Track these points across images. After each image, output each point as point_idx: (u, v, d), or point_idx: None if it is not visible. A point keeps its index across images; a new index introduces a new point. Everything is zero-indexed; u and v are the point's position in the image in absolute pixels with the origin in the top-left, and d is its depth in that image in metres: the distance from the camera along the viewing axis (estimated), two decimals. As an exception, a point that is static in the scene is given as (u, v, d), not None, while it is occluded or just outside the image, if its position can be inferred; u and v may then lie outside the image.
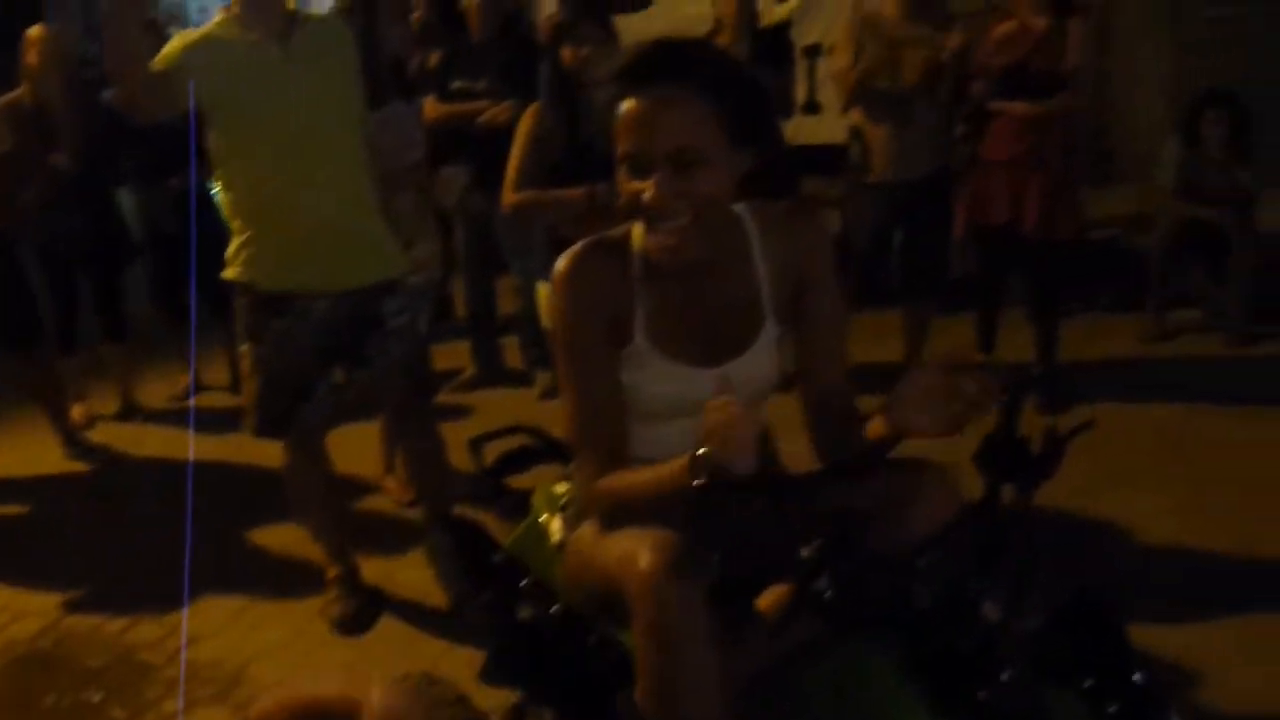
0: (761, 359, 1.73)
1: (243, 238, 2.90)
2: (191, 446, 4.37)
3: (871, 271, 4.48)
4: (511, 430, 2.11)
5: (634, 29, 6.86)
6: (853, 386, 1.83)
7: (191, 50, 2.73)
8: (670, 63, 1.55)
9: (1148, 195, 5.45)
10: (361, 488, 3.99)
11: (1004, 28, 4.09)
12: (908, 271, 4.55)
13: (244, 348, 2.99)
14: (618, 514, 1.65)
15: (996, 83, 4.01)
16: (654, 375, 1.69)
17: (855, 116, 4.36)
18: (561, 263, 1.67)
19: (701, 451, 1.43)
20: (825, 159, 5.05)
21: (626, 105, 1.55)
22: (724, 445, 1.40)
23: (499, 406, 4.59)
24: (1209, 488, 3.66)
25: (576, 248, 1.69)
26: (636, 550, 1.50)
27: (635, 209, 1.59)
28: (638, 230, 1.68)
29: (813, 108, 6.58)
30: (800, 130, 5.46)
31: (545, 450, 2.13)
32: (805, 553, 1.32)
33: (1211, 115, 5.02)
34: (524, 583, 1.89)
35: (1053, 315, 4.41)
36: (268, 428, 3.03)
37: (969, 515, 1.52)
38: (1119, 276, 5.49)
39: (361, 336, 2.99)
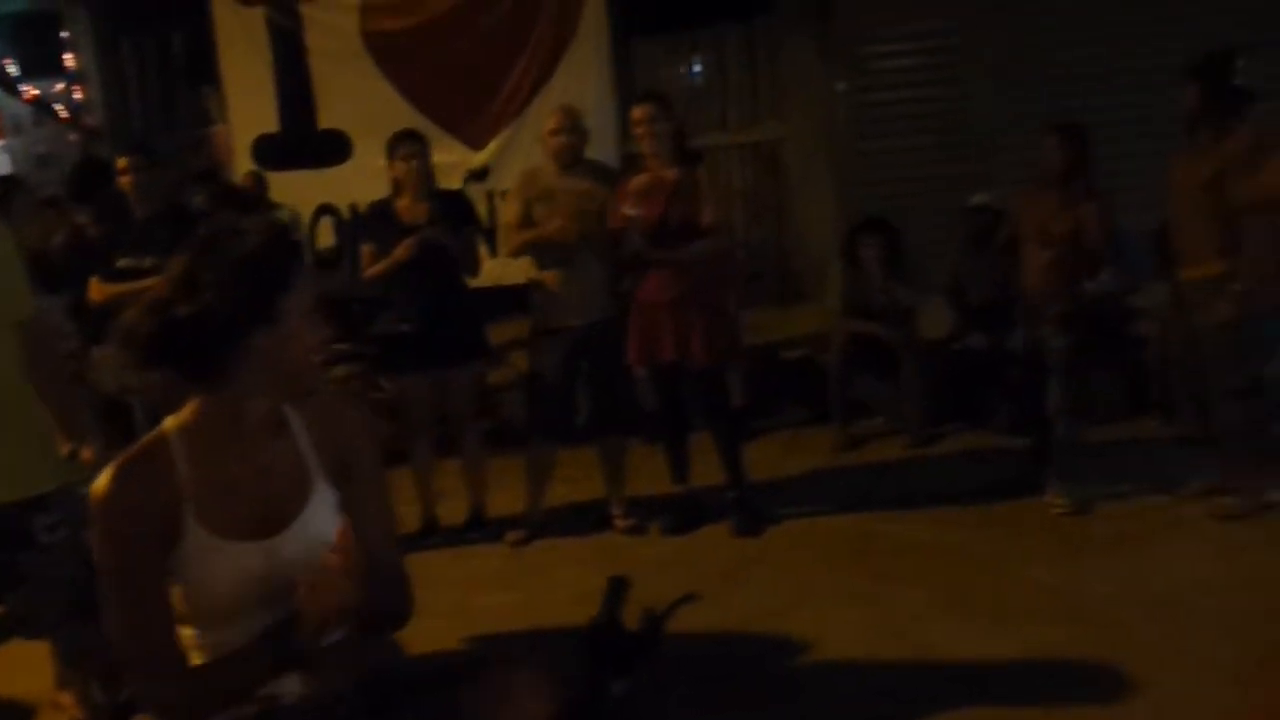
0: (320, 523, 1.77)
1: None
2: None
3: (561, 412, 4.57)
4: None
5: (328, 180, 6.91)
6: (399, 553, 1.95)
7: None
8: None
9: (822, 315, 5.85)
10: (32, 708, 3.65)
11: (639, 180, 4.32)
12: (596, 410, 4.68)
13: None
14: (195, 706, 1.69)
15: (644, 231, 4.21)
16: (214, 562, 1.70)
17: (530, 267, 4.51)
18: (97, 487, 1.67)
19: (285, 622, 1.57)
20: (518, 301, 5.19)
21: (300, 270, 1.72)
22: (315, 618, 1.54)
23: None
24: (896, 595, 3.84)
25: (109, 470, 1.68)
26: None
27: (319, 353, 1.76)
28: (173, 421, 1.73)
29: (511, 251, 6.74)
30: (500, 273, 5.57)
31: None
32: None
33: (867, 240, 5.48)
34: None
35: (733, 439, 4.59)
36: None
37: (572, 710, 1.54)
38: (810, 392, 5.83)
39: (13, 555, 2.77)
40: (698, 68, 7.13)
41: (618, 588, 1.65)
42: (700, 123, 7.17)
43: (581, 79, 6.78)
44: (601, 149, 5.51)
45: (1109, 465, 4.76)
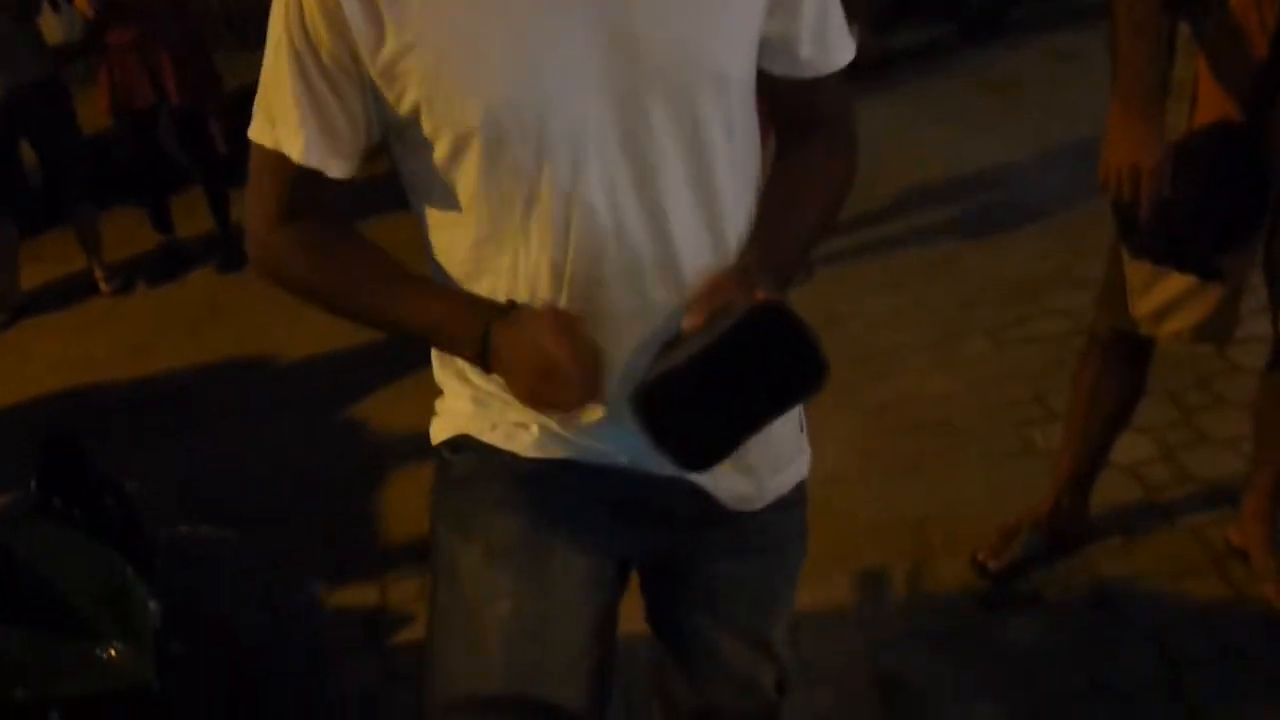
0: None
1: None
2: None
3: (5, 184, 4.29)
4: None
5: None
6: None
7: None
8: None
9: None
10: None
11: None
12: (48, 185, 4.43)
13: None
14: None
15: None
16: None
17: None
18: None
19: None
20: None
21: None
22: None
23: None
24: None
25: None
26: None
27: None
28: None
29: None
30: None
31: None
32: None
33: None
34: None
35: (217, 183, 4.49)
36: None
37: None
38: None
39: None
40: None
41: None
42: None
43: None
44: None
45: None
